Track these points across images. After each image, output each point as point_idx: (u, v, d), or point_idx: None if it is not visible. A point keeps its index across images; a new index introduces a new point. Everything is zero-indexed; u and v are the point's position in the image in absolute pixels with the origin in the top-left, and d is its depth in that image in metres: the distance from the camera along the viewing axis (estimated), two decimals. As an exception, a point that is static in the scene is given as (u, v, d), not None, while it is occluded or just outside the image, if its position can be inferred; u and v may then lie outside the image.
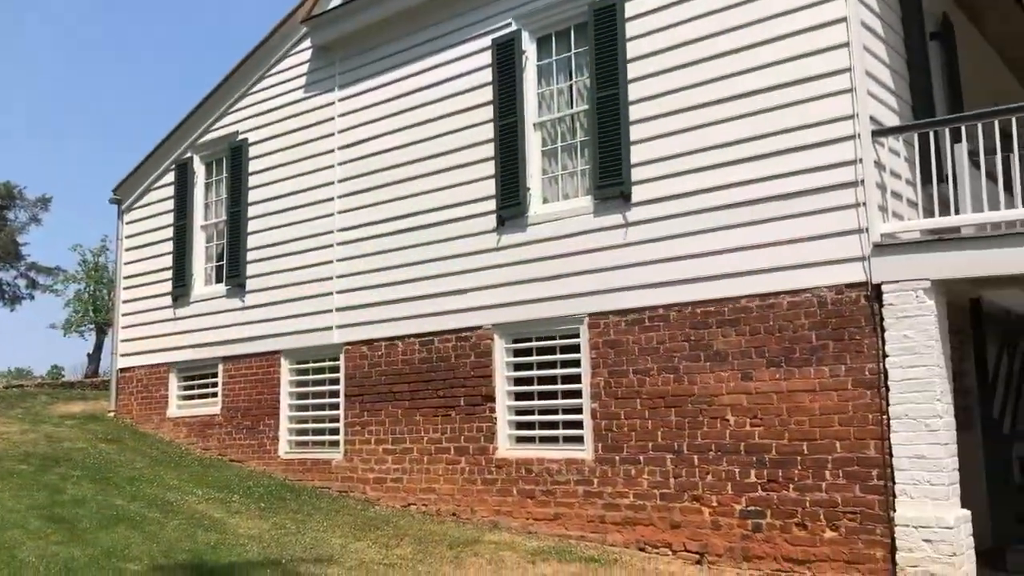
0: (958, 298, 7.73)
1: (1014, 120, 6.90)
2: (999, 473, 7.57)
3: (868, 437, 6.86)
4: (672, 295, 7.99)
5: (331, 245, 10.82)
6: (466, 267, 9.46)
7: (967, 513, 6.70)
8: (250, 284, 11.71)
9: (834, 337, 7.12)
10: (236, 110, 12.32)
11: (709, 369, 7.73)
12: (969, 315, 8.12)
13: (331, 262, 10.78)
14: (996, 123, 7.08)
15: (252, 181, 11.93)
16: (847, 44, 7.19)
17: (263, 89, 11.99)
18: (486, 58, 9.58)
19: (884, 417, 6.80)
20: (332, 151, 11.00)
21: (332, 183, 10.92)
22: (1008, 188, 7.08)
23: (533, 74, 9.36)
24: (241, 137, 12.16)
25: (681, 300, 7.95)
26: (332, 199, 10.89)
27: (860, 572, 6.79)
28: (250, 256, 11.77)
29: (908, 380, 6.73)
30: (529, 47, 9.36)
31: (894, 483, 6.70)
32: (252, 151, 12.00)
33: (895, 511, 6.66)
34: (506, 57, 9.38)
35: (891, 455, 6.73)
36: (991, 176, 7.49)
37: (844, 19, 7.20)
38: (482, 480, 9.09)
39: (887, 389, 6.81)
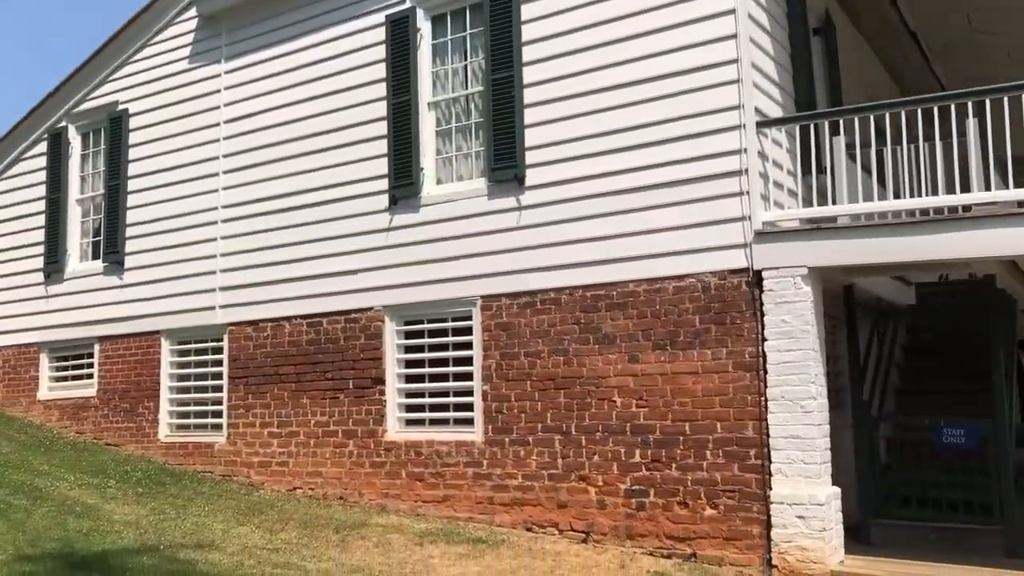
0: (833, 285, 8.07)
1: (888, 116, 7.23)
2: (867, 452, 7.95)
3: (747, 418, 7.10)
4: (563, 279, 8.07)
5: (215, 222, 10.47)
6: (357, 247, 9.32)
7: (837, 490, 7.02)
8: (129, 261, 11.22)
9: (717, 321, 7.33)
10: (116, 79, 11.75)
11: (598, 352, 7.84)
12: (843, 301, 8.49)
13: (215, 239, 10.44)
14: (872, 118, 7.39)
15: (133, 154, 11.42)
16: (735, 36, 7.37)
17: (146, 58, 11.47)
18: (380, 35, 9.41)
19: (762, 399, 7.05)
20: (218, 124, 10.63)
21: (217, 158, 10.56)
22: (881, 180, 7.43)
23: (428, 53, 9.25)
24: (121, 107, 11.61)
25: (572, 284, 8.03)
26: (217, 174, 10.54)
27: (737, 548, 7.04)
28: (130, 232, 11.28)
29: (785, 363, 6.99)
30: (424, 25, 9.25)
31: (771, 462, 6.96)
32: (133, 122, 11.47)
33: (771, 489, 6.92)
34: (400, 34, 9.24)
35: (768, 435, 6.99)
36: (866, 168, 7.83)
37: (733, 11, 7.38)
38: (370, 463, 9.00)
39: (765, 372, 7.06)
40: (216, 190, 10.51)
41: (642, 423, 7.56)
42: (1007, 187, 7.13)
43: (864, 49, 11.30)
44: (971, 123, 6.86)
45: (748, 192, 7.25)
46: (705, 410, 7.29)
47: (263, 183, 10.10)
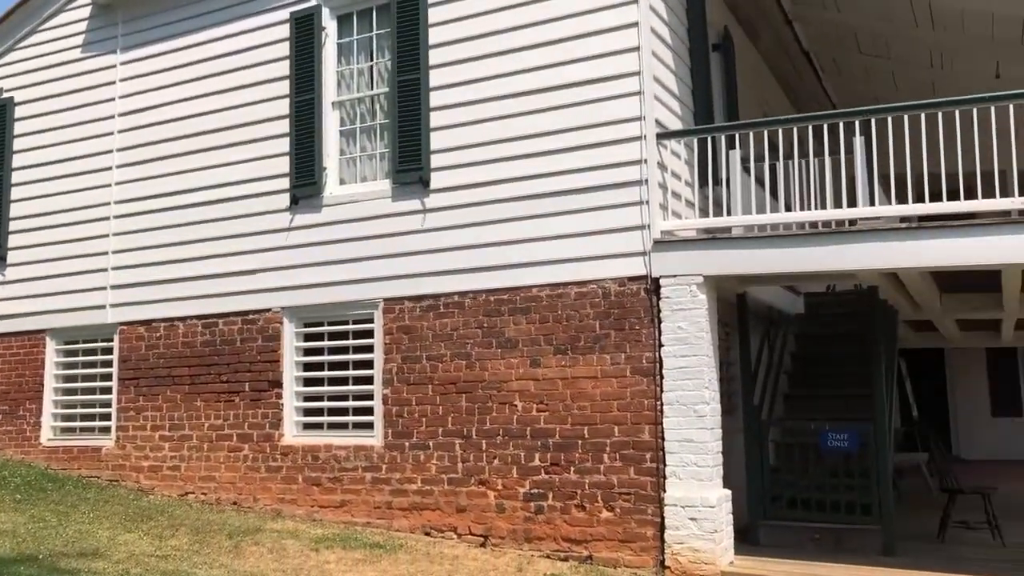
0: (727, 293, 8.33)
1: (781, 131, 7.52)
2: (756, 456, 8.23)
3: (643, 422, 7.26)
4: (467, 282, 8.08)
5: (108, 218, 10.09)
6: (256, 247, 9.12)
7: (728, 493, 7.25)
8: (12, 257, 10.71)
9: (616, 327, 7.47)
10: (1, 65, 11.20)
11: (500, 356, 7.89)
12: (736, 309, 8.76)
13: (107, 236, 10.06)
14: (766, 133, 7.67)
15: (18, 144, 10.91)
16: (637, 49, 7.53)
17: (35, 45, 10.98)
18: (284, 31, 9.25)
19: (658, 403, 7.21)
20: (112, 117, 10.25)
21: (111, 151, 10.19)
22: (774, 193, 7.70)
23: (333, 52, 9.14)
24: (7, 95, 11.07)
25: (476, 288, 8.05)
26: (110, 168, 10.16)
27: (632, 550, 7.19)
28: (13, 226, 10.76)
29: (680, 368, 7.17)
30: (330, 24, 9.14)
31: (665, 465, 7.13)
32: (19, 111, 10.95)
33: (665, 492, 7.09)
34: (305, 32, 9.10)
35: (663, 439, 7.15)
36: (760, 181, 8.10)
37: (635, 24, 7.54)
38: (266, 468, 8.82)
39: (662, 377, 7.23)
40: (109, 185, 10.13)
41: (542, 427, 7.63)
42: (890, 203, 7.49)
43: (760, 66, 11.71)
44: (858, 141, 7.19)
45: (648, 201, 7.42)
46: (604, 414, 7.41)
47: (160, 179, 9.79)
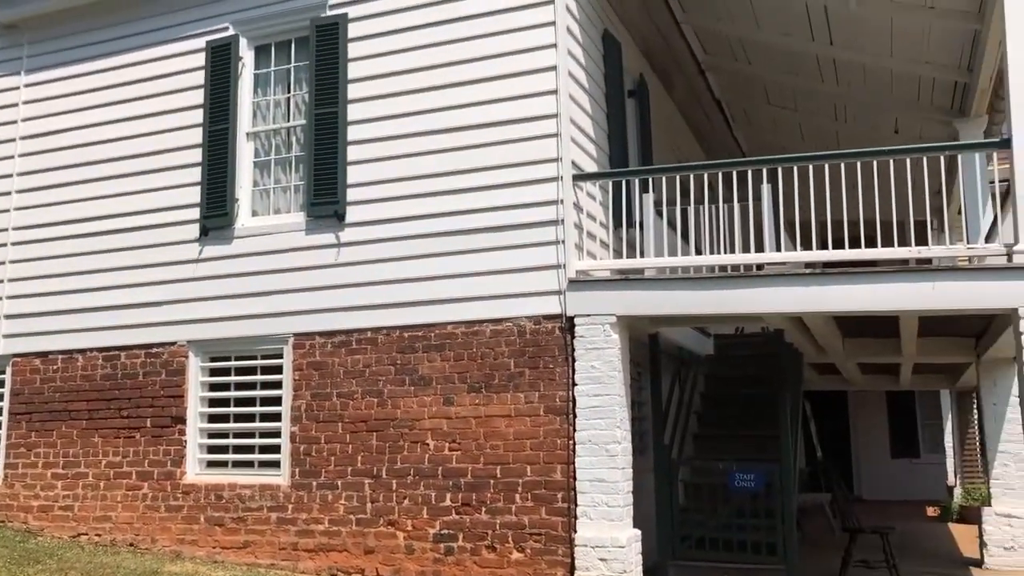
0: (639, 333, 8.43)
1: (692, 177, 7.71)
2: (667, 495, 8.29)
3: (556, 461, 7.25)
4: (381, 318, 7.99)
5: (4, 244, 9.66)
6: (162, 278, 8.85)
7: (638, 532, 7.27)
8: (-102, 282, 10.13)
9: (530, 365, 7.47)
10: None
11: (413, 393, 7.80)
12: (648, 349, 8.88)
13: (3, 263, 9.63)
14: (678, 178, 7.85)
15: (-91, 165, 10.37)
16: (556, 92, 7.64)
17: (-69, 62, 10.52)
18: (199, 60, 9.09)
19: (571, 442, 7.22)
20: (13, 140, 9.87)
21: (11, 176, 9.79)
22: (685, 236, 7.88)
23: (250, 82, 9.02)
24: (-102, 113, 10.55)
25: (390, 324, 7.96)
26: (9, 193, 9.76)
27: (542, 591, 7.12)
28: (-100, 250, 10.20)
29: (593, 408, 7.21)
30: (247, 54, 9.02)
31: (576, 505, 7.12)
32: (-89, 130, 10.44)
33: (576, 532, 7.07)
34: (221, 61, 8.96)
35: (575, 479, 7.15)
36: (672, 225, 8.29)
37: (554, 68, 7.66)
38: (166, 507, 8.48)
39: (575, 416, 7.25)
40: (8, 210, 9.72)
41: (454, 466, 7.54)
42: (795, 249, 7.74)
43: (674, 113, 12.02)
44: (765, 188, 7.42)
45: (564, 241, 7.48)
46: (516, 453, 7.38)
47: (63, 205, 9.44)
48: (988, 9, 7.56)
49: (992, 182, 7.45)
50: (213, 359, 8.69)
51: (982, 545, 9.85)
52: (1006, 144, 6.57)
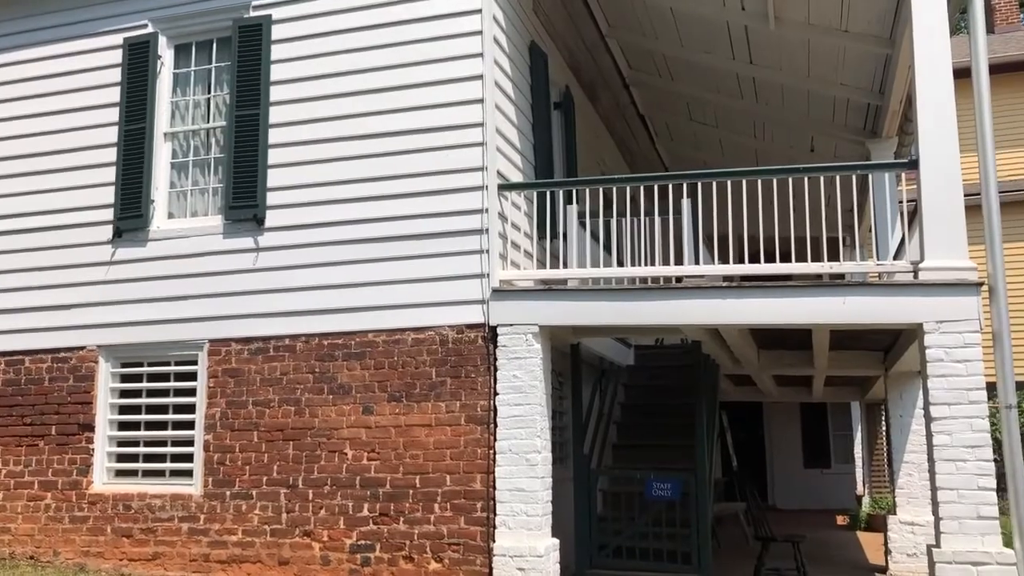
0: (561, 343, 8.48)
1: (615, 189, 7.79)
2: (585, 504, 8.34)
3: (476, 471, 7.22)
4: (300, 325, 7.86)
5: (-99, 242, 9.20)
6: (72, 280, 8.55)
7: (556, 542, 7.29)
8: None
9: (452, 374, 7.44)
10: None
11: (332, 402, 7.68)
12: (569, 359, 8.93)
13: (-101, 262, 9.16)
14: (601, 190, 7.94)
15: None
16: (482, 101, 7.65)
17: None
18: (117, 56, 8.83)
19: (491, 452, 7.21)
20: (-87, 133, 9.41)
21: (-91, 170, 9.33)
22: (608, 248, 7.96)
23: (168, 81, 8.79)
24: None
25: (309, 331, 7.84)
26: (-92, 189, 9.29)
27: (460, 601, 7.08)
28: None
29: (514, 417, 7.21)
30: (166, 52, 8.79)
31: (495, 515, 7.11)
32: None
33: (495, 542, 7.05)
34: (139, 59, 8.71)
35: (495, 488, 7.14)
36: (595, 236, 8.37)
37: (480, 77, 7.67)
38: (70, 518, 8.16)
39: (496, 425, 7.24)
40: (-96, 206, 9.25)
41: (373, 476, 7.46)
42: (714, 262, 7.88)
43: (599, 126, 12.17)
44: (685, 203, 7.55)
45: (488, 251, 7.48)
46: (436, 463, 7.33)
47: (-36, 202, 9.04)
48: (899, 35, 7.86)
49: (901, 201, 7.73)
50: (124, 364, 8.43)
51: (887, 552, 10.19)
52: (914, 165, 6.82)
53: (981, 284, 6.46)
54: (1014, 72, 18.90)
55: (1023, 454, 6.30)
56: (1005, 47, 19.86)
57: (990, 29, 21.01)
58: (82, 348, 8.44)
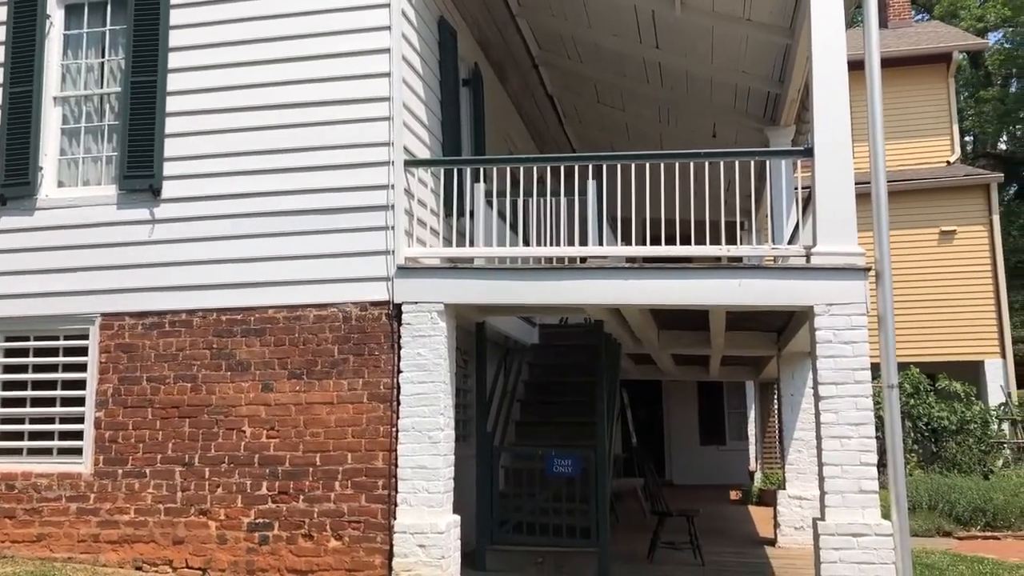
0: (466, 322, 8.50)
1: (522, 169, 7.83)
2: (488, 481, 8.42)
3: (378, 449, 7.19)
4: (197, 300, 7.65)
5: None
6: (-49, 249, 8.11)
7: (457, 518, 7.34)
8: None
9: (355, 352, 7.37)
10: None
11: (230, 379, 7.52)
12: (474, 338, 8.96)
13: None
14: (508, 169, 7.96)
15: None
16: (388, 75, 7.54)
17: None
18: (1, 14, 8.36)
19: (393, 430, 7.18)
20: None
21: None
22: (514, 227, 7.99)
23: (59, 43, 8.38)
24: None
25: (207, 306, 7.64)
26: None
27: (360, 579, 7.06)
28: None
29: (418, 395, 7.20)
30: (56, 13, 8.37)
31: (397, 492, 7.09)
32: None
33: (396, 519, 7.05)
34: (26, 19, 8.27)
35: (396, 466, 7.12)
36: (502, 215, 8.39)
37: (388, 50, 7.56)
38: (-51, 499, 7.79)
39: (399, 403, 7.22)
40: None
41: (272, 454, 7.34)
42: (617, 244, 8.01)
43: (508, 105, 12.16)
44: (591, 184, 7.64)
45: (393, 227, 7.41)
46: (337, 441, 7.26)
47: None
48: (798, 25, 8.10)
49: (797, 188, 7.99)
50: (9, 339, 8.05)
51: (776, 525, 10.62)
52: (809, 153, 7.06)
53: (869, 269, 6.75)
54: (906, 66, 19.75)
55: (902, 432, 6.64)
56: (898, 42, 20.70)
57: (884, 24, 21.85)
58: (-38, 321, 8.03)
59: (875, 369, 6.62)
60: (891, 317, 6.75)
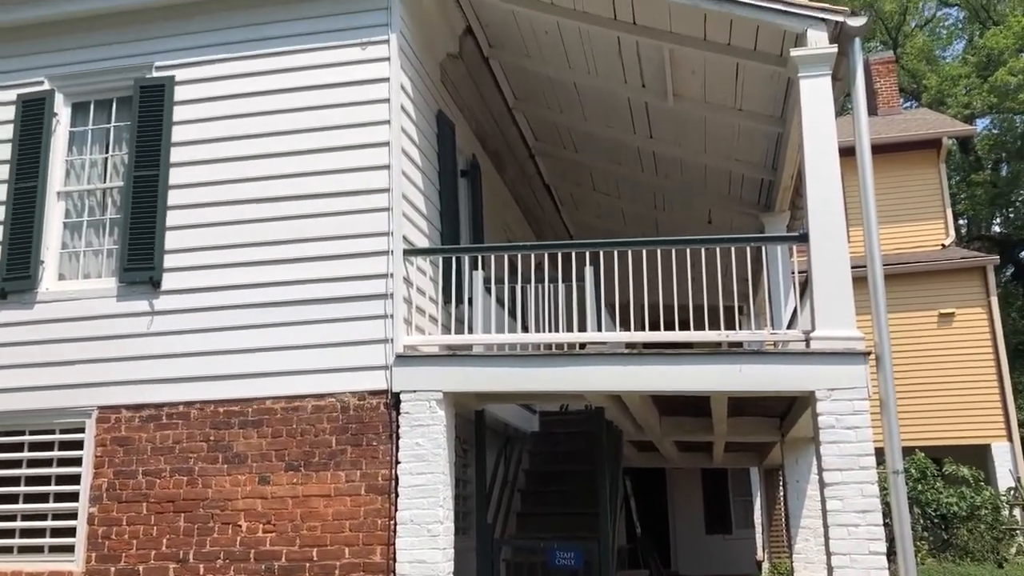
0: (465, 410, 8.43)
1: (519, 256, 7.89)
2: (488, 574, 8.22)
3: (376, 543, 7.04)
4: (195, 391, 7.60)
5: None
6: (-50, 343, 8.09)
7: (458, 614, 7.13)
8: None
9: (353, 443, 7.28)
10: None
11: (226, 472, 7.41)
12: (474, 426, 8.88)
13: None
14: (506, 256, 8.02)
15: None
16: (388, 167, 7.67)
17: None
18: (9, 113, 8.54)
19: (392, 522, 7.04)
20: None
21: None
22: (513, 314, 8.01)
23: (64, 139, 8.54)
24: None
25: (204, 397, 7.58)
26: None
27: None
28: None
29: (416, 486, 7.08)
30: (63, 110, 8.56)
31: (396, 588, 6.91)
32: None
33: (395, 615, 6.85)
34: (34, 116, 8.45)
35: (395, 560, 6.95)
36: (500, 302, 8.41)
37: (387, 143, 7.70)
38: (-64, 600, 7.58)
39: (397, 495, 7.09)
40: None
41: (268, 549, 7.18)
42: (616, 329, 8.02)
43: (505, 193, 12.33)
44: (588, 270, 7.68)
45: (392, 316, 7.42)
46: (335, 535, 7.12)
47: None
48: (789, 115, 8.28)
49: (794, 272, 8.03)
50: (4, 433, 7.97)
51: (786, 617, 10.32)
52: (804, 239, 7.12)
53: (869, 353, 6.73)
54: (897, 152, 20.12)
55: (911, 519, 6.51)
56: (888, 128, 21.14)
57: (873, 111, 22.35)
58: (-43, 416, 7.96)
59: (879, 454, 6.54)
60: (893, 401, 6.70)
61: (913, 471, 14.72)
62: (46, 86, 8.53)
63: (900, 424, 6.80)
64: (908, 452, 14.72)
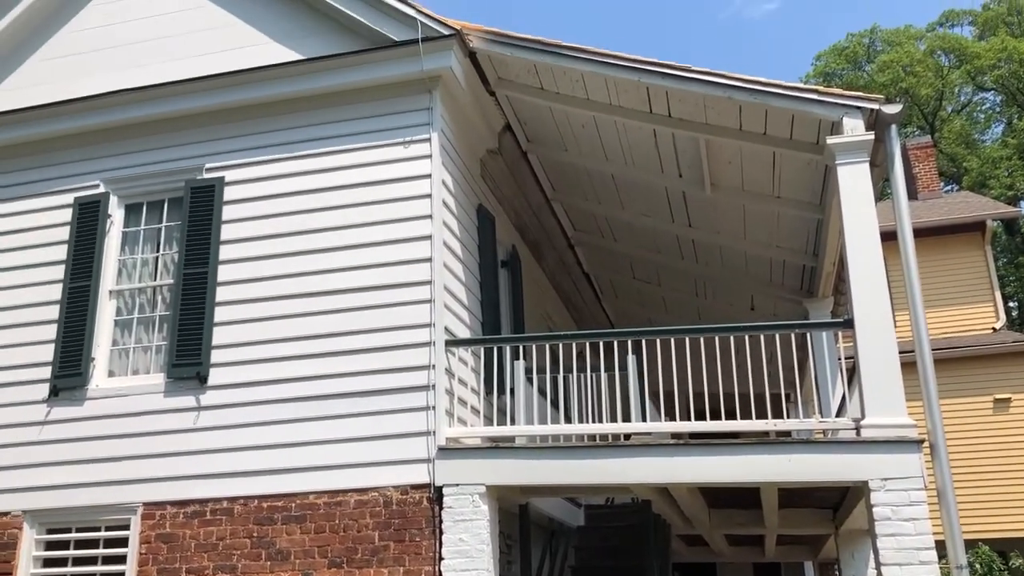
0: (509, 503, 8.30)
1: (561, 345, 7.87)
2: (536, 676, 7.96)
3: (420, 642, 6.87)
4: (239, 487, 7.59)
5: None
6: (2, 441, 8.21)
7: None
8: None
9: (396, 538, 7.19)
10: None
11: (269, 569, 7.34)
12: (518, 520, 8.72)
13: None
14: (548, 346, 8.01)
15: None
16: (430, 259, 7.78)
17: None
18: (66, 215, 8.86)
19: (436, 621, 6.88)
20: None
21: None
22: (555, 404, 7.95)
23: (117, 240, 8.81)
24: None
25: (248, 493, 7.57)
26: None
27: None
28: None
29: (460, 583, 6.94)
30: (117, 212, 8.86)
31: None
32: None
33: None
34: (89, 218, 8.76)
35: (439, 660, 6.77)
36: (542, 392, 8.37)
37: (429, 237, 7.82)
38: None
39: (441, 592, 6.95)
40: None
41: (310, 649, 7.04)
42: (660, 419, 7.90)
43: (545, 282, 12.40)
44: (631, 359, 7.64)
45: (435, 407, 7.40)
46: (377, 634, 6.97)
47: None
48: (828, 201, 8.28)
49: (840, 359, 7.90)
50: (51, 531, 8.00)
51: None
52: (849, 325, 7.02)
53: (922, 441, 6.54)
54: (940, 235, 19.94)
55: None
56: (929, 212, 21.00)
57: (913, 196, 22.26)
58: (6, 514, 8.02)
59: (940, 547, 6.28)
60: (951, 491, 6.48)
61: (978, 566, 14.09)
62: (101, 189, 8.86)
63: (960, 515, 6.55)
64: (971, 545, 14.14)
